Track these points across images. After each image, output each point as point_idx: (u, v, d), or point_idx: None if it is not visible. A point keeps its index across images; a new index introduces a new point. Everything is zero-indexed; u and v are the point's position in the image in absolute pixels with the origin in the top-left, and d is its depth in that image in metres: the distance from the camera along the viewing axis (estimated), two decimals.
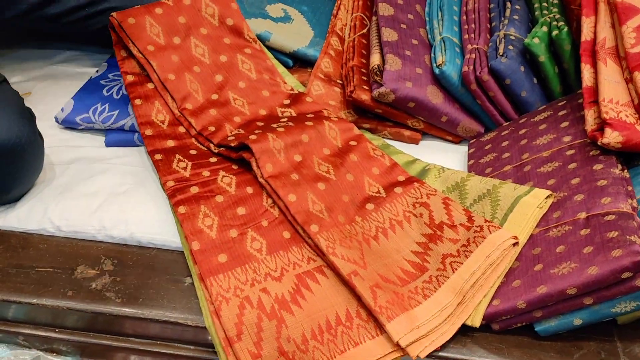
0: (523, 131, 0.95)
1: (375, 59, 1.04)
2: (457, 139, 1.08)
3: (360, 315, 0.78)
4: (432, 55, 1.04)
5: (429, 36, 1.10)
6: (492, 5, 1.13)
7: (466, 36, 1.06)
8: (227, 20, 1.09)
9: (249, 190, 0.92)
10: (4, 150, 0.84)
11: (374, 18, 1.14)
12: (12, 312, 0.86)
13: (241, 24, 1.10)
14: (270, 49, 1.14)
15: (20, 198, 0.93)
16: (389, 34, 1.07)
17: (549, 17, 1.01)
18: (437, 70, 1.02)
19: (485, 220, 0.82)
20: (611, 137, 0.80)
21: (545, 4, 1.07)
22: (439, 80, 1.03)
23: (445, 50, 1.03)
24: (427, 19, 1.14)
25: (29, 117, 0.91)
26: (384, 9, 1.12)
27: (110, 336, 0.87)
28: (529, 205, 0.81)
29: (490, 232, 0.80)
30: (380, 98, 1.01)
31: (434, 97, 1.02)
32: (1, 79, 0.93)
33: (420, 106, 1.02)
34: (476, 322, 0.76)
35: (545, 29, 0.99)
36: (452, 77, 1.01)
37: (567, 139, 0.89)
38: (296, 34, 1.16)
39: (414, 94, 1.01)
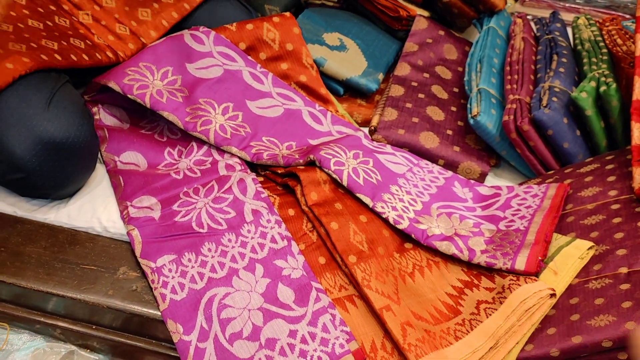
0: (568, 181, 0.96)
1: (374, 121, 1.10)
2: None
3: (385, 348, 0.79)
4: (468, 105, 1.07)
5: (466, 87, 1.13)
6: (538, 57, 1.15)
7: (508, 86, 1.08)
8: (287, 45, 1.13)
9: (291, 212, 0.94)
10: (62, 145, 0.88)
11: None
12: (52, 305, 0.89)
13: (300, 49, 1.13)
14: (323, 74, 1.17)
15: (72, 195, 0.96)
16: (396, 90, 1.15)
17: (597, 73, 1.02)
18: (471, 121, 1.04)
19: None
20: None
21: (594, 59, 1.08)
22: (475, 130, 1.05)
23: (480, 101, 1.06)
24: (466, 69, 1.17)
25: (88, 117, 0.95)
26: (400, 69, 1.19)
27: (143, 338, 0.89)
28: (570, 256, 0.82)
29: (527, 282, 0.81)
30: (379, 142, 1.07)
31: (427, 142, 1.07)
32: (64, 80, 0.97)
33: (414, 150, 1.07)
34: None
35: (593, 84, 1.00)
36: (486, 126, 1.04)
37: (613, 193, 0.89)
38: (350, 63, 1.19)
39: (405, 139, 1.07)
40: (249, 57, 1.11)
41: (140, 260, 0.87)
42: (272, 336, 0.79)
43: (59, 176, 0.91)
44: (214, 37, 1.09)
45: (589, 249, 0.82)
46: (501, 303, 0.80)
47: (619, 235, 0.82)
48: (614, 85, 0.97)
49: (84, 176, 0.96)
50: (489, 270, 0.85)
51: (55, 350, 0.90)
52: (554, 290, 0.79)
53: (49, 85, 0.93)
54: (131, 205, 0.93)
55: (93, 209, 0.95)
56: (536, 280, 0.81)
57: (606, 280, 0.77)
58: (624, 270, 0.77)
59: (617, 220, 0.84)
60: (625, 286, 0.74)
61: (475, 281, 0.85)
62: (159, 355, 0.89)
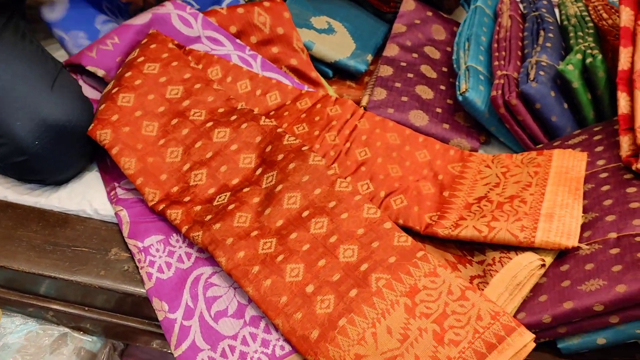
0: None
1: (364, 100, 1.11)
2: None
3: None
4: (457, 83, 1.07)
5: (455, 65, 1.13)
6: (525, 34, 1.15)
7: (496, 63, 1.08)
8: (278, 29, 1.13)
9: None
10: (65, 129, 0.88)
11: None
12: (45, 288, 0.89)
13: (291, 33, 1.13)
14: (312, 57, 1.17)
15: (68, 181, 0.96)
16: (385, 70, 1.15)
17: (583, 46, 1.02)
18: (460, 97, 1.04)
19: None
20: None
21: (580, 33, 1.09)
22: (464, 106, 1.05)
23: (469, 78, 1.06)
24: (455, 48, 1.17)
25: (88, 103, 0.96)
26: (389, 50, 1.19)
27: (136, 319, 0.89)
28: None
29: (517, 254, 0.81)
30: None
31: (417, 120, 1.07)
32: (61, 66, 0.97)
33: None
34: None
35: (579, 56, 1.00)
36: (475, 102, 1.04)
37: (601, 162, 0.90)
38: (338, 45, 1.19)
39: (395, 117, 1.06)
40: (238, 41, 1.11)
41: (127, 240, 0.87)
42: (257, 314, 0.79)
43: (59, 160, 0.91)
44: (202, 21, 1.09)
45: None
46: (492, 276, 0.80)
47: (607, 202, 0.82)
48: (599, 57, 0.98)
49: (82, 162, 0.96)
50: (481, 245, 0.85)
51: (48, 333, 0.90)
52: (544, 260, 0.79)
53: (50, 69, 0.93)
54: (119, 186, 0.93)
55: (83, 192, 0.95)
56: (526, 251, 0.81)
57: (596, 246, 0.77)
58: (613, 235, 0.77)
59: (605, 187, 0.85)
60: (614, 250, 0.75)
61: (468, 256, 0.85)
62: (153, 335, 0.89)
